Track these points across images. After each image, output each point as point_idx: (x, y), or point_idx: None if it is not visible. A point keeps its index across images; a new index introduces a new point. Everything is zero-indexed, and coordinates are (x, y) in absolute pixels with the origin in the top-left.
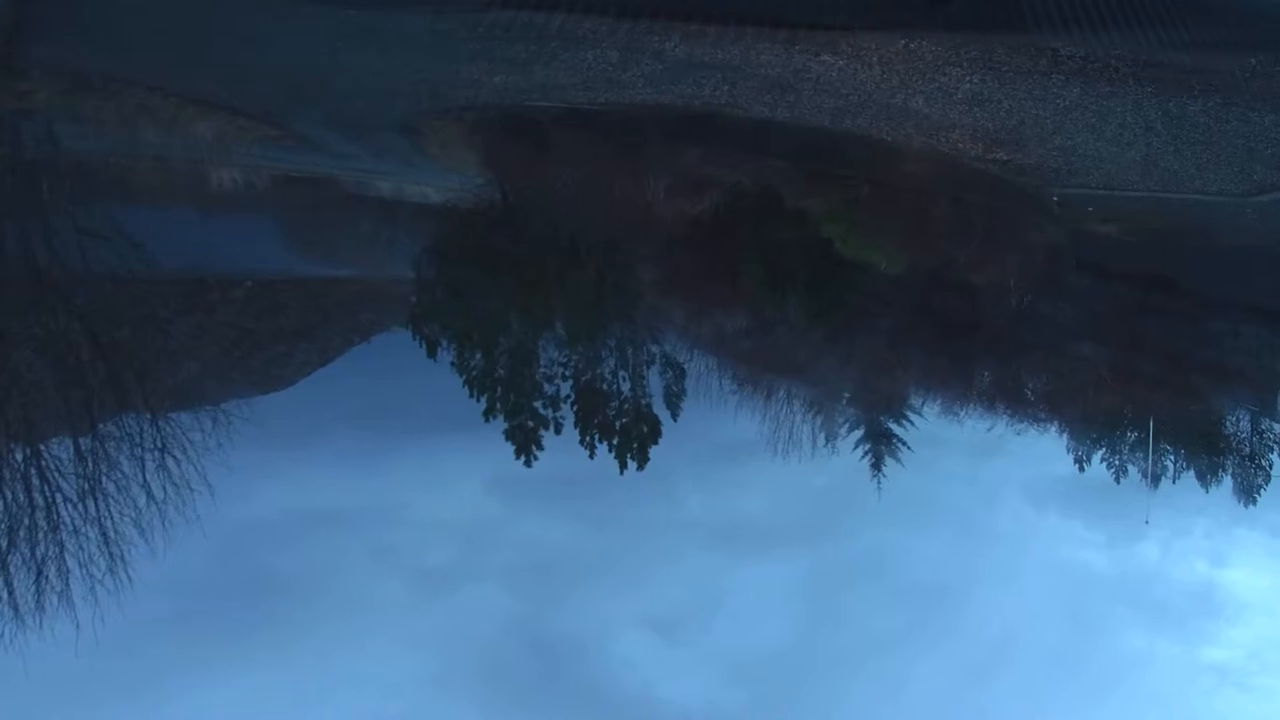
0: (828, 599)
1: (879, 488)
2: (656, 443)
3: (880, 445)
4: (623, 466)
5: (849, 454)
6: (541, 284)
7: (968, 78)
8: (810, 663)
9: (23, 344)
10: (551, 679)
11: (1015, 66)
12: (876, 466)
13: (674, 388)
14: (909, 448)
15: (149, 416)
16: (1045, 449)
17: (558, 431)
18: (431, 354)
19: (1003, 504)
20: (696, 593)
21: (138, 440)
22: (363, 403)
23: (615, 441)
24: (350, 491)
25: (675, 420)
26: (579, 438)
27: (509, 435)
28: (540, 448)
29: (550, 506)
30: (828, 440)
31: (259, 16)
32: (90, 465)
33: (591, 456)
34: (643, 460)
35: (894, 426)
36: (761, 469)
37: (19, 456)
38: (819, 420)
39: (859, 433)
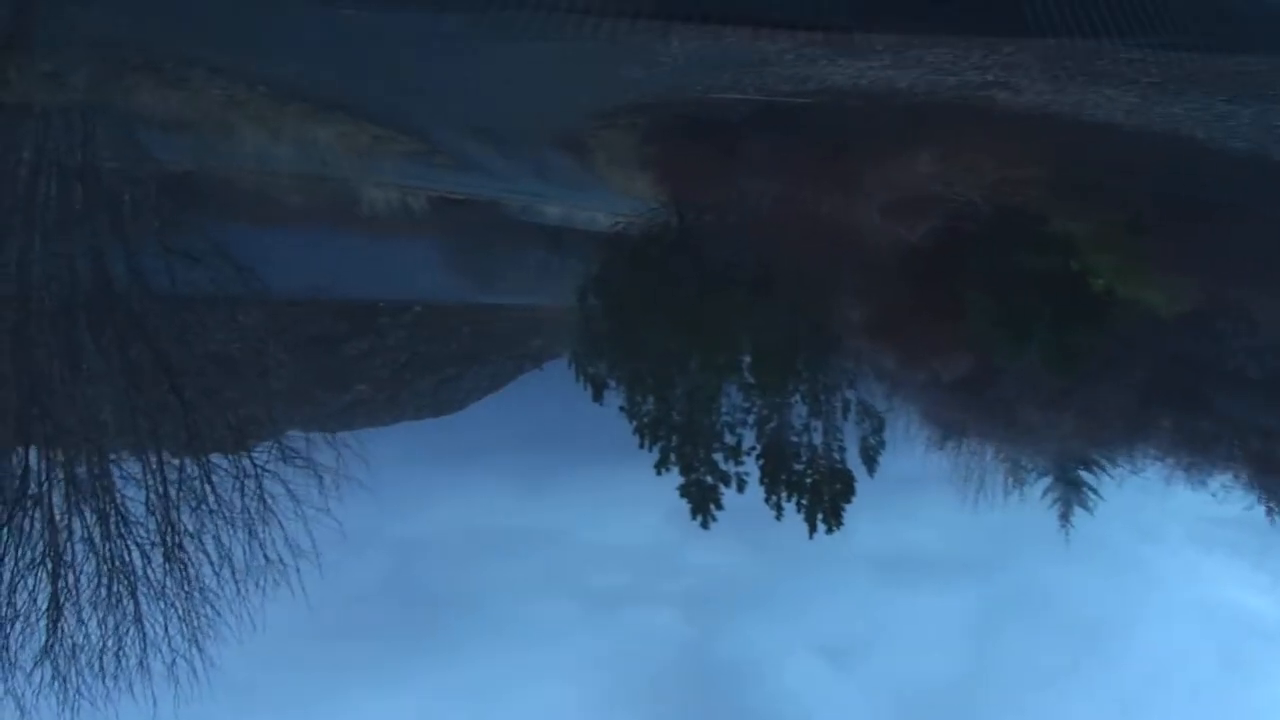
0: (991, 632)
1: (1067, 538)
2: (850, 501)
3: (1070, 494)
4: (812, 529)
5: (1035, 500)
6: (725, 321)
7: None
8: (970, 695)
9: (207, 361)
10: (718, 703)
11: None
12: (1065, 516)
13: (871, 439)
14: (1100, 497)
15: (316, 436)
16: (1218, 488)
17: (740, 489)
18: (598, 397)
19: (1168, 541)
20: (864, 622)
21: (304, 459)
22: (535, 428)
23: (805, 500)
24: (523, 513)
25: (871, 476)
26: (764, 495)
27: (684, 492)
28: (720, 507)
29: (727, 535)
30: (1015, 487)
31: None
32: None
33: (778, 518)
34: (836, 521)
35: (1087, 475)
36: (933, 502)
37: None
38: (1008, 466)
39: (1048, 479)
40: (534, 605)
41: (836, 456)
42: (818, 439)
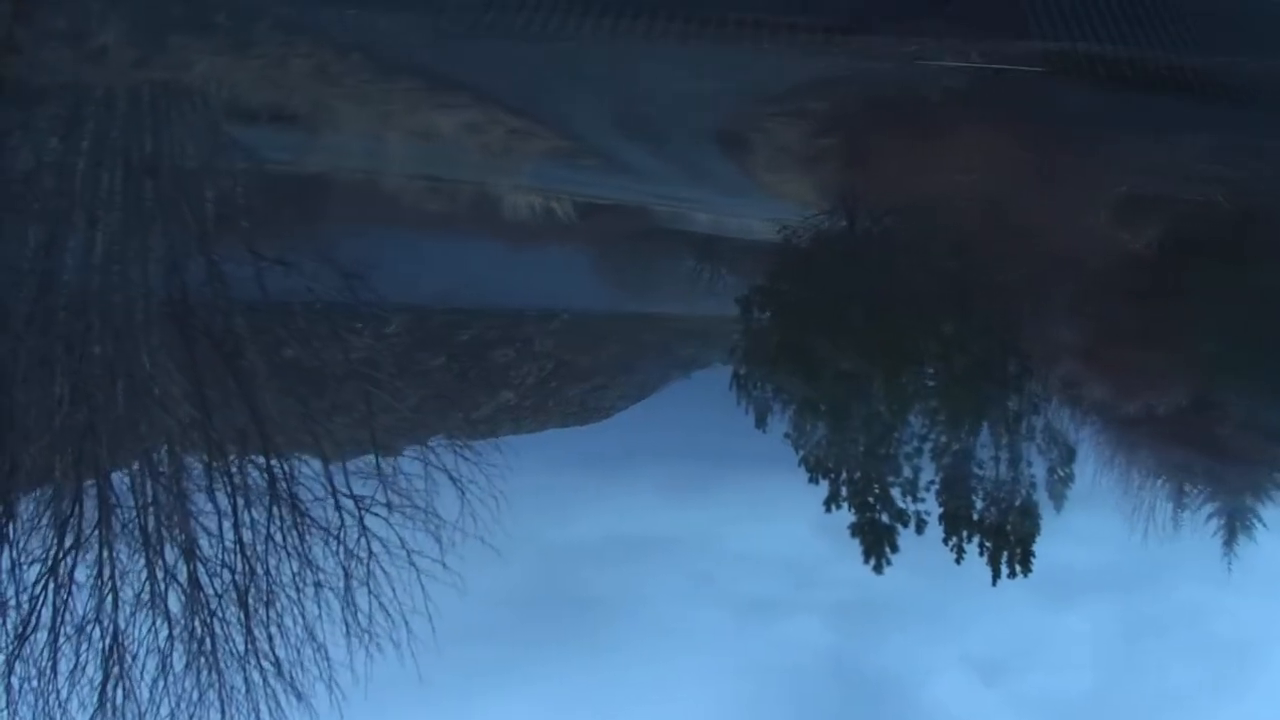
0: (1136, 650)
1: (1229, 567)
2: (1034, 540)
3: (1236, 522)
4: (996, 574)
5: (1198, 523)
6: (912, 341)
7: None
8: (1113, 711)
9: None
10: (864, 713)
11: None
12: (1229, 544)
13: (1060, 471)
14: (1264, 525)
15: (462, 443)
16: None
17: (919, 530)
18: (760, 424)
19: None
20: (1014, 636)
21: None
22: (683, 437)
23: (989, 542)
24: (671, 521)
25: (1058, 513)
26: (943, 535)
27: (856, 532)
28: (895, 549)
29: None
30: (1179, 512)
31: None
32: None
33: (959, 561)
34: (1025, 568)
35: (1258, 504)
36: (1093, 519)
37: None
38: (1174, 494)
39: (1214, 506)
40: (682, 612)
41: (1024, 492)
42: (1002, 470)
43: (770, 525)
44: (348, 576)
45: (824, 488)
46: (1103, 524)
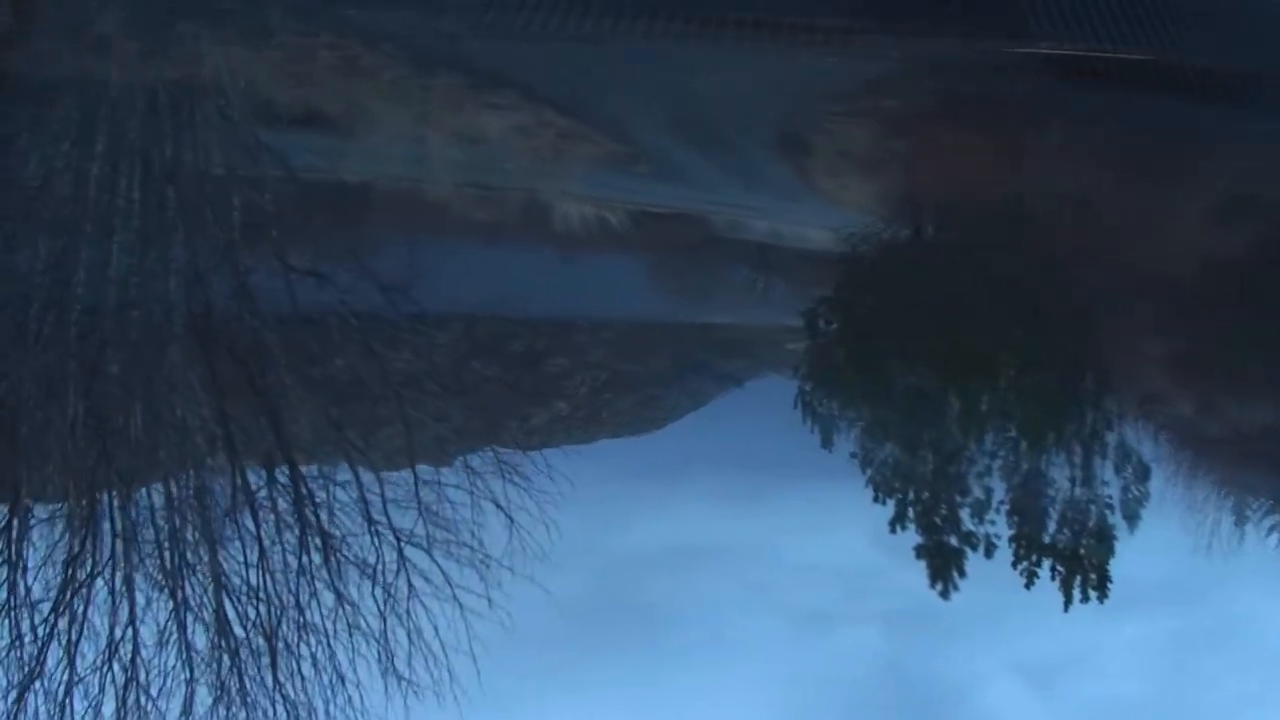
0: (1189, 660)
1: None
2: (1109, 564)
3: None
4: (1069, 600)
5: (1259, 535)
6: (989, 356)
7: None
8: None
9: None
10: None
11: None
12: None
13: (1134, 490)
14: None
15: (516, 452)
16: None
17: (989, 554)
18: (827, 444)
19: None
20: (1067, 644)
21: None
22: (737, 446)
23: (1062, 566)
24: (726, 530)
25: (1132, 534)
26: (1013, 558)
27: (922, 554)
28: (964, 575)
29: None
30: (1242, 526)
31: None
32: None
33: (1028, 586)
34: (1102, 593)
35: None
36: (1146, 530)
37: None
38: (1239, 508)
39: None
40: (736, 621)
41: (1099, 512)
42: (1077, 490)
43: (826, 535)
44: (383, 615)
45: (888, 506)
46: (1162, 535)
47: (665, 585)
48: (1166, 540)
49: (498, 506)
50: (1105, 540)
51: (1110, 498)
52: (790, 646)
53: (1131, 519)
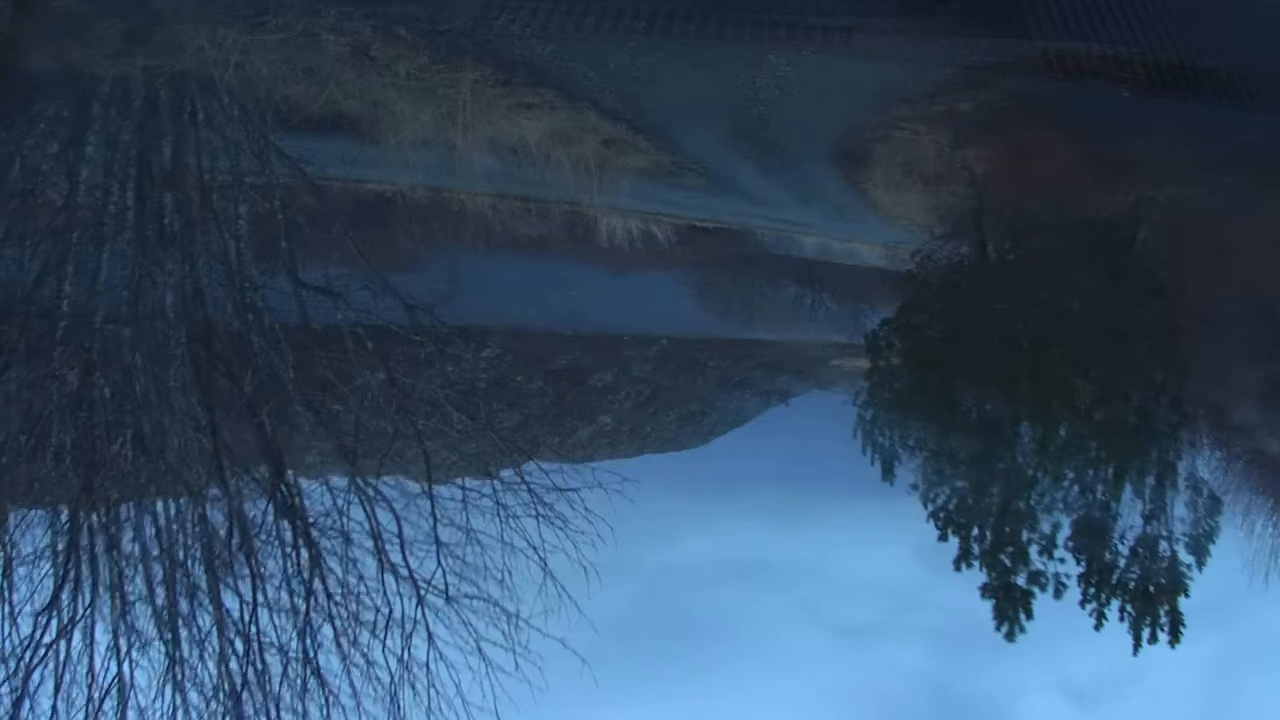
0: (1228, 680)
1: None
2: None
3: None
4: (1138, 643)
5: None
6: (1068, 386)
7: None
8: None
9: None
10: None
11: None
12: None
13: (1206, 524)
14: None
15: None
16: None
17: (1058, 595)
18: (888, 476)
19: None
20: (1108, 663)
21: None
22: (782, 463)
23: (1132, 607)
24: (771, 546)
25: (1200, 570)
26: (1080, 598)
27: (988, 593)
28: (1031, 617)
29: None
30: None
31: None
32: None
33: (1098, 627)
34: (1175, 637)
35: None
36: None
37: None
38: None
39: None
40: (781, 635)
41: (1173, 549)
42: (1150, 526)
43: (871, 550)
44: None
45: (950, 542)
46: (1216, 558)
47: (711, 599)
48: (1220, 565)
49: (536, 554)
50: (1178, 583)
51: (1181, 534)
52: (834, 661)
53: (1200, 555)
